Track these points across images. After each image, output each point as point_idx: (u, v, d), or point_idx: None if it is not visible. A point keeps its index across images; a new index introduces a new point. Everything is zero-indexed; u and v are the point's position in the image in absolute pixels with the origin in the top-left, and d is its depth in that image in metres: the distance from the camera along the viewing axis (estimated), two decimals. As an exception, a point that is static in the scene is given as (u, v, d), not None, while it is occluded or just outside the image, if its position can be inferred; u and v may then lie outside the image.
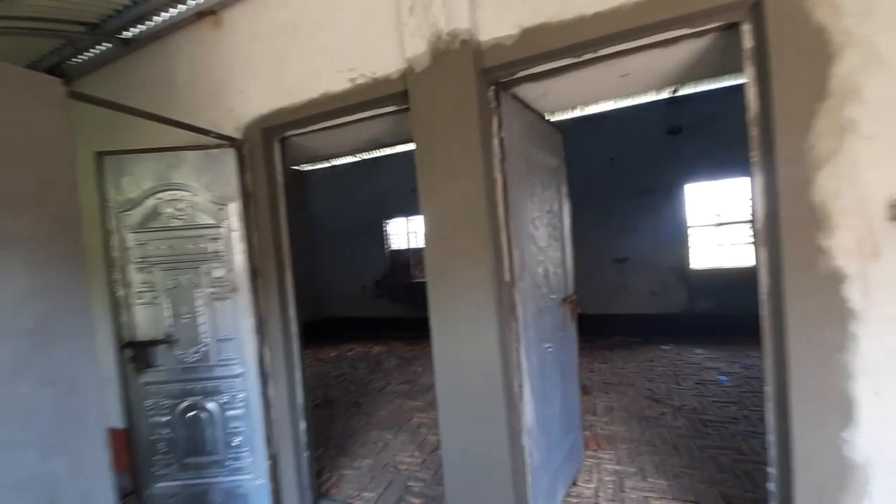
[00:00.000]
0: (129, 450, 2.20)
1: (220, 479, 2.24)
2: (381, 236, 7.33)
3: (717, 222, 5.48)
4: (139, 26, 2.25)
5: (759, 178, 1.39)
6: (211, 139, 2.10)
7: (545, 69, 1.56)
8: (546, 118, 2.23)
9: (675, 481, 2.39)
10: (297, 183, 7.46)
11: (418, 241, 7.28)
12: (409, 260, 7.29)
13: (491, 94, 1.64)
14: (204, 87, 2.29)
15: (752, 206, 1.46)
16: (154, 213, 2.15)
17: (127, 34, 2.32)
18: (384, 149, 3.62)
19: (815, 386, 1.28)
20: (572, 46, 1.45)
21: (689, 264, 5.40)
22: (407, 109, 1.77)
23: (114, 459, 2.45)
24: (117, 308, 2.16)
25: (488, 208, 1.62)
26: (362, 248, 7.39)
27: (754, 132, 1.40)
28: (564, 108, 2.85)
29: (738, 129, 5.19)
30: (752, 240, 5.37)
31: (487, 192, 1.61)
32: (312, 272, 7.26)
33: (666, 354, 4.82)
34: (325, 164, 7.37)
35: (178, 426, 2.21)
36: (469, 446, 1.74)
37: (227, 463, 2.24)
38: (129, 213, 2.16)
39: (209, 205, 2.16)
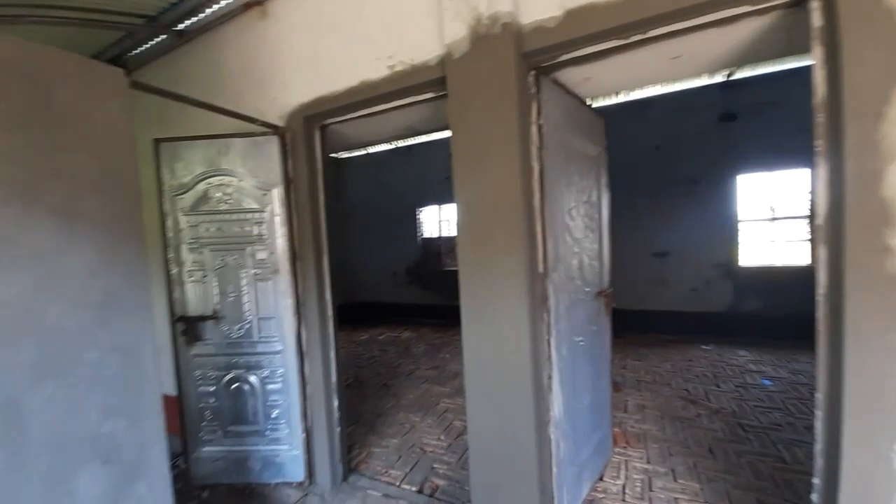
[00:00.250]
0: (179, 415, 2.40)
1: (259, 447, 2.40)
2: (413, 224, 7.41)
3: (770, 217, 5.11)
4: (192, 18, 2.36)
5: (824, 170, 1.28)
6: (256, 127, 2.19)
7: (589, 52, 1.49)
8: (588, 104, 2.14)
9: (708, 485, 2.31)
10: (334, 170, 7.62)
11: (450, 230, 7.30)
12: (440, 248, 7.34)
13: (531, 79, 1.60)
14: (250, 77, 2.38)
15: (813, 200, 1.35)
16: (204, 197, 2.28)
17: (181, 26, 2.44)
18: (420, 136, 3.62)
19: (871, 395, 1.19)
20: (620, 28, 1.38)
21: (737, 261, 5.08)
22: (444, 96, 1.76)
23: (167, 423, 2.68)
24: (171, 285, 2.32)
25: (524, 198, 1.59)
26: (395, 235, 7.51)
27: (820, 119, 1.29)
28: (608, 94, 2.73)
29: (797, 116, 4.84)
30: (810, 236, 4.97)
31: (523, 182, 1.58)
32: (346, 258, 7.47)
33: (706, 355, 4.60)
34: (362, 152, 7.50)
35: (223, 396, 2.37)
36: (496, 435, 1.76)
37: (265, 433, 2.39)
38: (182, 196, 2.30)
39: (254, 190, 2.26)
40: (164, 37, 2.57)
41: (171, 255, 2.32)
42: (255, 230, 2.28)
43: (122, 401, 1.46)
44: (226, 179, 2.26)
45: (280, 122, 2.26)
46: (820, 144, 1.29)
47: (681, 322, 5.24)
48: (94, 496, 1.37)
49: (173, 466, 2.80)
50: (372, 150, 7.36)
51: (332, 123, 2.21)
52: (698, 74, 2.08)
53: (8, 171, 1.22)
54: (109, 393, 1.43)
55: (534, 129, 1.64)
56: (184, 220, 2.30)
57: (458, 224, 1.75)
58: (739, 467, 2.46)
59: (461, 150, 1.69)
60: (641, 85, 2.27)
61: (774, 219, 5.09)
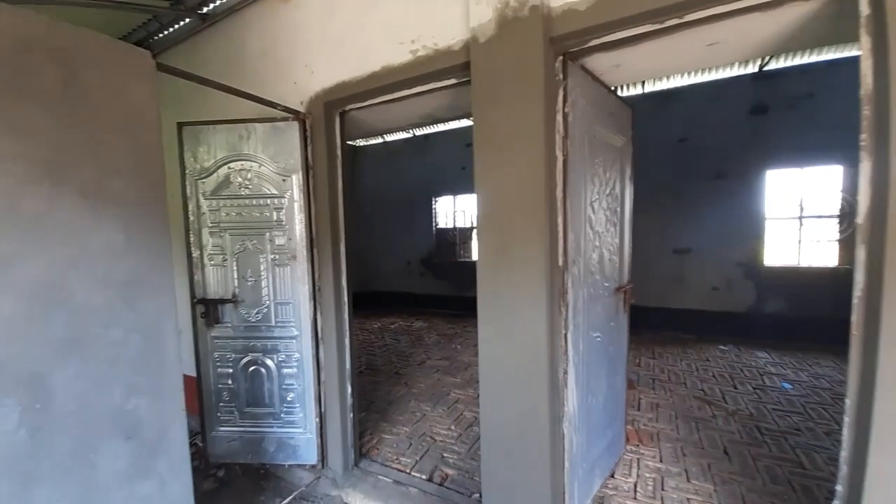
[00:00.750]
0: (198, 395, 2.46)
1: (274, 429, 2.45)
2: (428, 214, 7.40)
3: (797, 215, 4.92)
4: (217, 0, 2.36)
5: (868, 166, 1.21)
6: (277, 112, 2.19)
7: (621, 37, 1.43)
8: (615, 92, 2.07)
9: (722, 487, 2.27)
10: (351, 157, 7.65)
11: (465, 221, 7.27)
12: (454, 238, 7.33)
13: (558, 65, 1.55)
14: (272, 61, 2.37)
15: (850, 199, 1.28)
16: (226, 182, 2.30)
17: (205, 9, 2.45)
18: (439, 124, 3.59)
19: (906, 404, 1.13)
20: (655, 11, 1.32)
21: (761, 260, 4.93)
22: (467, 82, 1.72)
23: (186, 403, 2.76)
24: (192, 267, 2.36)
25: (546, 188, 1.56)
26: (410, 224, 7.52)
27: (866, 112, 1.21)
28: (636, 82, 2.64)
29: (832, 110, 4.63)
30: (839, 236, 4.76)
31: (547, 171, 1.54)
32: (361, 246, 7.52)
33: (723, 355, 4.50)
34: (378, 140, 7.49)
35: (240, 378, 2.42)
36: (508, 427, 1.75)
37: (280, 415, 2.43)
38: (204, 180, 2.33)
39: (274, 175, 2.27)
40: (188, 20, 2.57)
41: (192, 238, 2.35)
42: (275, 215, 2.29)
43: (144, 379, 1.49)
44: (247, 164, 2.28)
45: (301, 108, 2.25)
46: (865, 139, 1.22)
47: (699, 321, 5.13)
48: (117, 471, 1.42)
49: (191, 444, 2.90)
50: (389, 138, 7.35)
51: (352, 109, 2.19)
52: (734, 62, 1.99)
53: (39, 150, 1.24)
54: (132, 371, 1.46)
55: (559, 118, 1.60)
56: (205, 204, 2.33)
57: (478, 213, 1.73)
58: (755, 471, 2.41)
59: (483, 138, 1.65)
60: (673, 73, 2.18)
61: (802, 217, 4.91)
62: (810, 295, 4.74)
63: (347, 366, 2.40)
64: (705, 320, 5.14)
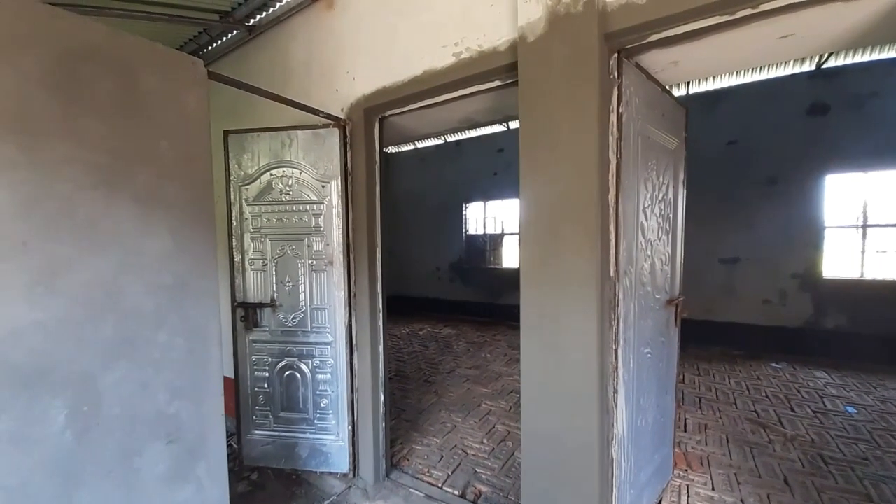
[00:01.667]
0: (235, 398, 2.49)
1: (307, 435, 2.44)
2: (459, 220, 7.35)
3: (860, 223, 4.53)
4: (263, 12, 2.42)
5: None
6: (319, 119, 2.20)
7: (683, 31, 1.33)
8: (670, 91, 1.95)
9: (786, 522, 2.06)
10: (383, 164, 7.74)
11: (495, 227, 7.17)
12: (485, 245, 7.24)
13: (612, 62, 1.45)
14: (315, 69, 2.40)
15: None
16: (268, 188, 2.34)
17: (252, 21, 2.51)
18: (478, 128, 3.53)
19: None
20: (727, 1, 1.21)
21: (820, 271, 4.56)
22: (512, 84, 1.66)
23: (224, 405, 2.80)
24: (233, 272, 2.40)
25: (599, 193, 1.46)
26: (440, 230, 7.50)
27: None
28: (694, 79, 2.48)
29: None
30: None
31: (599, 175, 1.45)
32: (391, 251, 7.56)
33: (777, 374, 4.17)
34: (410, 147, 7.54)
35: (276, 382, 2.43)
36: (553, 450, 1.64)
37: (314, 422, 2.42)
38: (248, 186, 2.37)
39: (314, 182, 2.28)
40: (236, 31, 2.65)
41: (235, 243, 2.40)
42: (313, 221, 2.30)
43: (187, 383, 1.50)
44: (288, 171, 2.30)
45: (341, 115, 2.25)
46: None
47: (749, 336, 4.79)
48: (158, 475, 1.42)
49: (227, 445, 2.95)
50: (420, 144, 7.39)
51: (391, 115, 2.17)
52: (806, 55, 1.82)
53: (97, 156, 1.27)
54: (177, 374, 1.47)
55: (613, 118, 1.50)
56: (248, 210, 2.37)
57: (522, 220, 1.65)
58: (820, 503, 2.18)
59: (531, 140, 1.58)
60: (736, 69, 2.03)
61: (866, 226, 4.50)
62: (874, 310, 4.33)
63: (381, 374, 2.36)
64: (756, 335, 4.79)
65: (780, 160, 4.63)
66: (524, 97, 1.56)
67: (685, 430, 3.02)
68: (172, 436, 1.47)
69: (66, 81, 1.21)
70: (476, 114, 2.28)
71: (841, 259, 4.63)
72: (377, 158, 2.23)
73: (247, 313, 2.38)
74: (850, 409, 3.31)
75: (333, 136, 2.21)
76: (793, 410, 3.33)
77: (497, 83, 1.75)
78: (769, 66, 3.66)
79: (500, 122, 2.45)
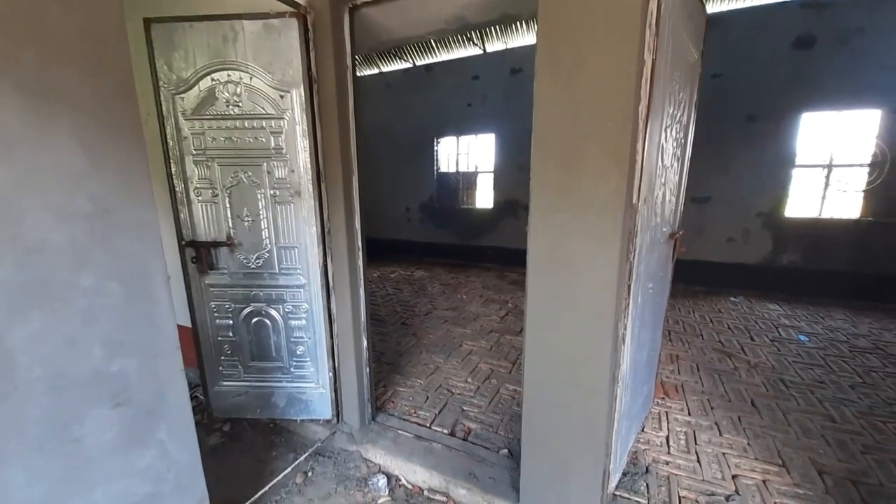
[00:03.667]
0: (195, 349, 2.21)
1: (283, 384, 2.24)
2: (430, 157, 6.90)
3: (826, 163, 4.64)
4: None
5: None
6: (273, 2, 1.72)
7: None
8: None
9: (755, 441, 2.19)
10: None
11: (468, 165, 6.82)
12: (457, 184, 6.92)
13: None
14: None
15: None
16: (210, 97, 1.88)
17: None
18: (469, 30, 3.05)
19: None
20: None
21: (783, 210, 4.72)
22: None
23: (183, 354, 2.52)
24: (176, 203, 2.00)
25: (632, 102, 1.21)
26: (409, 168, 7.05)
27: None
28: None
29: (882, 48, 4.16)
30: (867, 186, 4.49)
31: (636, 79, 1.19)
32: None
33: (735, 307, 4.43)
34: (375, 71, 6.78)
35: (242, 331, 2.17)
36: (560, 389, 1.54)
37: (290, 370, 2.22)
38: (183, 95, 1.89)
39: (269, 90, 1.85)
40: None
41: (174, 168, 1.97)
42: (272, 141, 1.90)
43: (131, 336, 1.21)
44: (234, 75, 1.84)
45: (301, 0, 1.78)
46: None
47: (711, 273, 5.00)
48: (107, 442, 1.18)
49: (192, 398, 2.71)
50: (385, 68, 6.65)
51: (365, 4, 1.73)
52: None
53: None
54: (114, 326, 1.17)
55: (652, 6, 1.21)
56: (186, 126, 1.92)
57: (536, 140, 1.39)
58: (787, 424, 2.33)
59: (553, 33, 1.27)
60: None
61: (831, 166, 4.63)
62: (827, 247, 4.61)
63: (363, 318, 2.15)
64: (717, 272, 5.01)
65: (761, 97, 4.53)
66: (548, -29, 1.22)
67: (658, 361, 3.13)
68: (119, 398, 1.20)
69: None
70: (469, 9, 1.88)
71: (803, 198, 4.79)
72: (349, 62, 1.81)
73: (199, 253, 2.03)
74: (803, 338, 3.57)
75: (291, 29, 1.76)
76: (752, 339, 3.55)
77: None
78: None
79: (496, 23, 2.09)
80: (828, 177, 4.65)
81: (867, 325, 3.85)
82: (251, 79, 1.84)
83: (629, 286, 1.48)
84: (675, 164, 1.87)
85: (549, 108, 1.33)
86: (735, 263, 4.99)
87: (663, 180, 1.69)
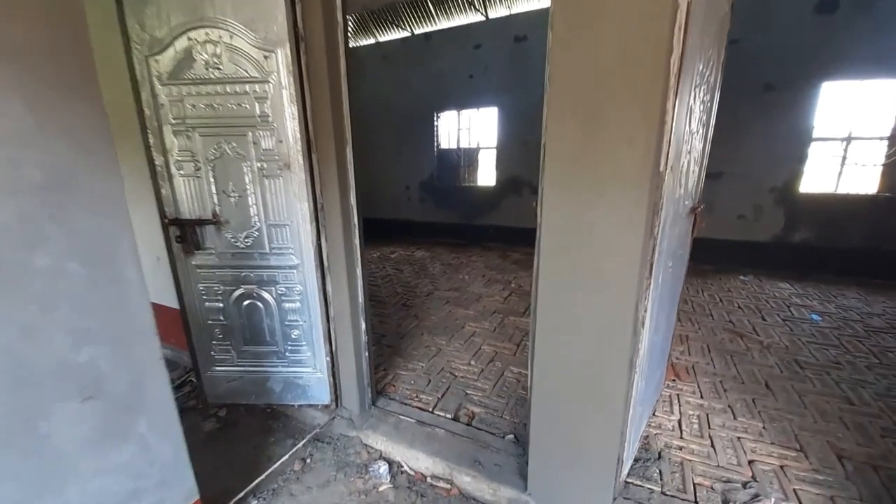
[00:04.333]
0: (185, 333, 2.10)
1: (279, 368, 2.15)
2: (430, 132, 6.65)
3: (844, 137, 4.43)
4: None
5: None
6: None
7: None
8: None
9: (771, 424, 2.11)
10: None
11: (470, 140, 6.58)
12: (458, 161, 6.69)
13: None
14: None
15: None
16: (187, 60, 1.70)
17: None
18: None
19: None
20: None
21: (797, 186, 4.54)
22: None
23: (174, 337, 2.41)
24: (157, 178, 1.85)
25: (664, 51, 1.05)
26: (408, 144, 6.81)
27: None
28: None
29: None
30: (886, 160, 4.28)
31: (669, 24, 1.02)
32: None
33: (745, 286, 4.31)
34: (371, 41, 6.47)
35: (233, 314, 2.05)
36: (574, 373, 1.43)
37: (286, 354, 2.12)
38: (158, 57, 1.71)
39: (252, 50, 1.67)
40: None
41: (152, 139, 1.80)
42: (257, 108, 1.73)
43: (98, 323, 1.09)
44: (213, 34, 1.65)
45: (283, -56, 1.57)
46: None
47: (719, 251, 4.86)
48: (80, 439, 1.07)
49: (186, 382, 2.63)
50: (382, 38, 6.34)
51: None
52: None
53: None
54: (79, 312, 1.05)
55: (691, -63, 1.03)
56: (163, 93, 1.74)
57: (550, 98, 1.23)
58: (803, 407, 2.25)
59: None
60: None
61: (850, 139, 4.42)
62: (842, 224, 4.45)
63: (360, 300, 2.03)
64: (726, 250, 4.87)
65: (781, 64, 4.28)
66: None
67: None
68: (90, 390, 1.09)
69: None
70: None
71: (819, 173, 4.60)
72: (340, 16, 1.62)
73: (183, 232, 1.89)
74: (815, 317, 3.47)
75: (275, -22, 1.56)
76: (764, 319, 3.44)
77: None
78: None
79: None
80: (846, 150, 4.45)
81: (881, 304, 3.74)
82: (231, 37, 1.65)
83: (651, 264, 1.35)
84: (701, 131, 1.70)
85: (566, 59, 1.16)
86: (745, 241, 4.84)
87: (689, 148, 1.53)
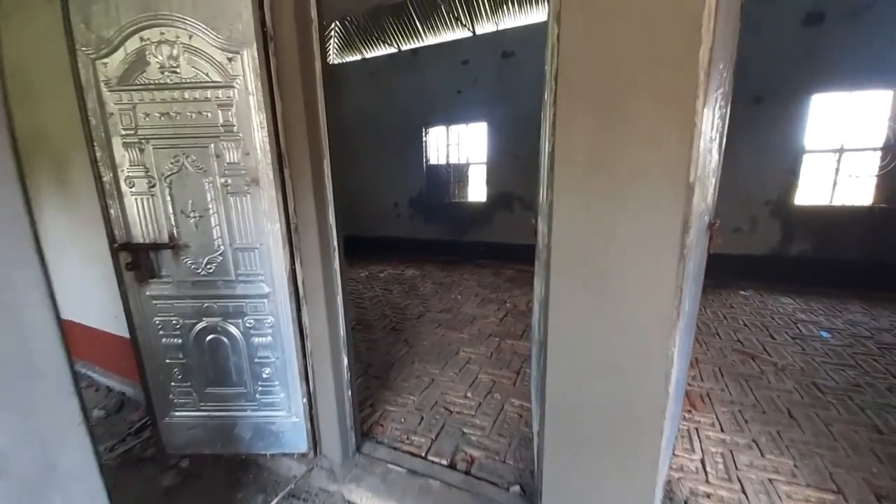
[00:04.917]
0: (139, 371, 1.82)
1: (247, 413, 1.87)
2: (418, 148, 6.51)
3: (837, 148, 4.39)
4: None
5: None
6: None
7: None
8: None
9: (802, 462, 1.90)
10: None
11: (459, 156, 6.45)
12: (448, 177, 6.54)
13: None
14: None
15: None
16: (140, 62, 1.48)
17: None
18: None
19: None
20: None
21: (792, 198, 4.47)
22: None
23: (125, 367, 2.10)
24: (104, 197, 1.61)
25: (694, 37, 0.87)
26: (397, 160, 6.65)
27: None
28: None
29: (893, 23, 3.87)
30: (879, 171, 4.23)
31: (698, 13, 0.85)
32: (341, 186, 6.67)
33: (747, 301, 4.17)
34: (357, 58, 6.37)
35: (194, 351, 1.78)
36: (597, 412, 1.21)
37: (255, 396, 1.84)
38: (106, 60, 1.49)
39: (214, 51, 1.46)
40: None
41: (98, 153, 1.57)
42: (221, 116, 1.51)
43: (-12, 383, 0.83)
44: (169, 33, 1.45)
45: (248, -68, 1.39)
46: None
47: (716, 265, 4.68)
48: (-47, 542, 0.80)
49: (147, 426, 2.31)
50: (369, 55, 6.25)
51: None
52: None
53: None
54: (-43, 371, 0.79)
55: None
56: (112, 99, 1.52)
57: (561, 90, 1.04)
58: (832, 439, 2.05)
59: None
60: None
61: (842, 150, 4.38)
62: (839, 236, 4.38)
63: (341, 331, 1.79)
64: (723, 264, 4.71)
65: (769, 76, 4.26)
66: None
67: (677, 366, 2.84)
68: (-19, 470, 0.82)
69: None
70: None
71: (813, 185, 4.55)
72: (314, 13, 1.43)
73: (136, 259, 1.63)
74: (825, 334, 3.31)
75: (239, -31, 1.38)
76: (773, 338, 3.28)
77: None
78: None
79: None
80: (839, 162, 4.41)
81: (888, 318, 3.62)
82: (190, 37, 1.45)
83: (681, 290, 1.15)
84: (717, 139, 1.54)
85: (578, 51, 0.98)
86: (741, 255, 4.73)
87: (710, 157, 1.36)
